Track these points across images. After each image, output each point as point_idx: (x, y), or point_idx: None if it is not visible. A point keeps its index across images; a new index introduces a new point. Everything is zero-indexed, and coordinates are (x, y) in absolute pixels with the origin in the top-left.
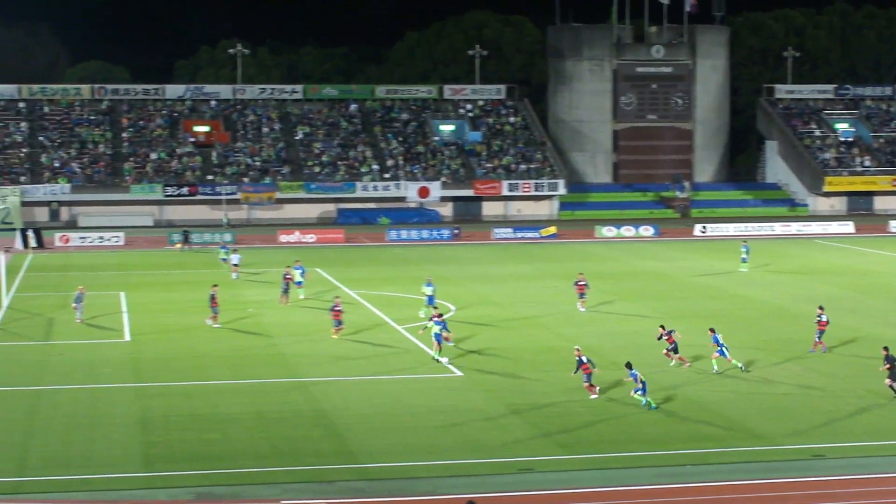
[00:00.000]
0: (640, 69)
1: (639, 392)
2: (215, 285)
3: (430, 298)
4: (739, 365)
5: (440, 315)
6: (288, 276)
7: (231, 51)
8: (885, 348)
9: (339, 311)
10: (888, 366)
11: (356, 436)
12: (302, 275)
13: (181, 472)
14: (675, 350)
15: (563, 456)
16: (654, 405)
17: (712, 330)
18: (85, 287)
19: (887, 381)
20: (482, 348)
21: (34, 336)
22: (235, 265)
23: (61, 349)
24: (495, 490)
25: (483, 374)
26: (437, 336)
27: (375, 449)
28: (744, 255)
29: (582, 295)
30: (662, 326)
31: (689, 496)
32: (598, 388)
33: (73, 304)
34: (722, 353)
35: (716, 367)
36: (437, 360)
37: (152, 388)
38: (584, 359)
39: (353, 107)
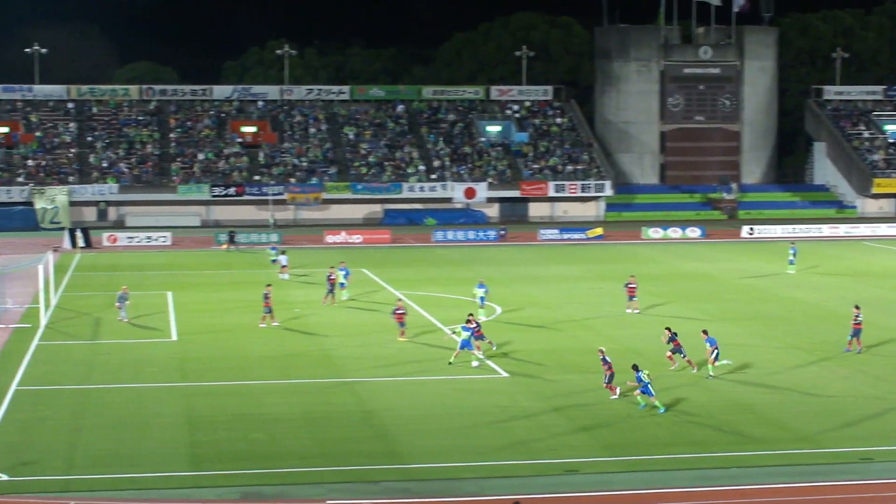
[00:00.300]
0: (687, 70)
1: (645, 394)
2: (269, 285)
3: (482, 300)
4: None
5: (469, 321)
6: (332, 277)
7: (279, 52)
8: None
9: (402, 313)
10: None
11: (402, 436)
12: (346, 276)
13: (227, 472)
14: (680, 352)
15: (608, 457)
16: (662, 408)
17: (705, 332)
18: (129, 287)
19: None
20: (528, 349)
21: (82, 335)
22: (284, 266)
23: (108, 348)
24: (541, 491)
25: (529, 375)
26: (465, 343)
27: (421, 449)
28: (791, 257)
29: (632, 297)
30: (668, 329)
31: (734, 499)
32: (618, 389)
33: (117, 304)
34: (717, 356)
35: (711, 373)
36: (451, 363)
37: (198, 388)
38: (607, 359)
39: (399, 107)
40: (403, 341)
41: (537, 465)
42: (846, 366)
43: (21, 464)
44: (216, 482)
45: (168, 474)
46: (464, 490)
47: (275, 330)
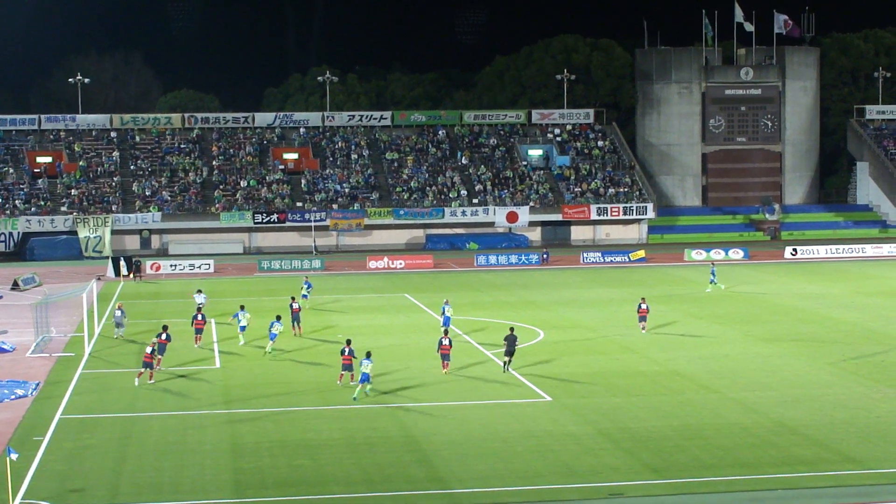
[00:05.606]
0: (728, 91)
1: None
2: (349, 339)
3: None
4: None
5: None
6: (294, 307)
7: (320, 78)
8: None
9: (447, 346)
10: None
11: (446, 461)
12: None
13: (271, 499)
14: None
15: (653, 480)
16: None
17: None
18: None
19: None
20: (571, 372)
21: (125, 363)
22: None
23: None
24: None
25: (572, 398)
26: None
27: (465, 474)
28: (712, 277)
29: (643, 318)
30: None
31: None
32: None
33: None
34: None
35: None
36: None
37: (242, 415)
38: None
39: (441, 132)
40: (433, 366)
41: (582, 488)
42: (892, 386)
43: (66, 492)
44: None
45: (212, 501)
46: None
47: (317, 355)
